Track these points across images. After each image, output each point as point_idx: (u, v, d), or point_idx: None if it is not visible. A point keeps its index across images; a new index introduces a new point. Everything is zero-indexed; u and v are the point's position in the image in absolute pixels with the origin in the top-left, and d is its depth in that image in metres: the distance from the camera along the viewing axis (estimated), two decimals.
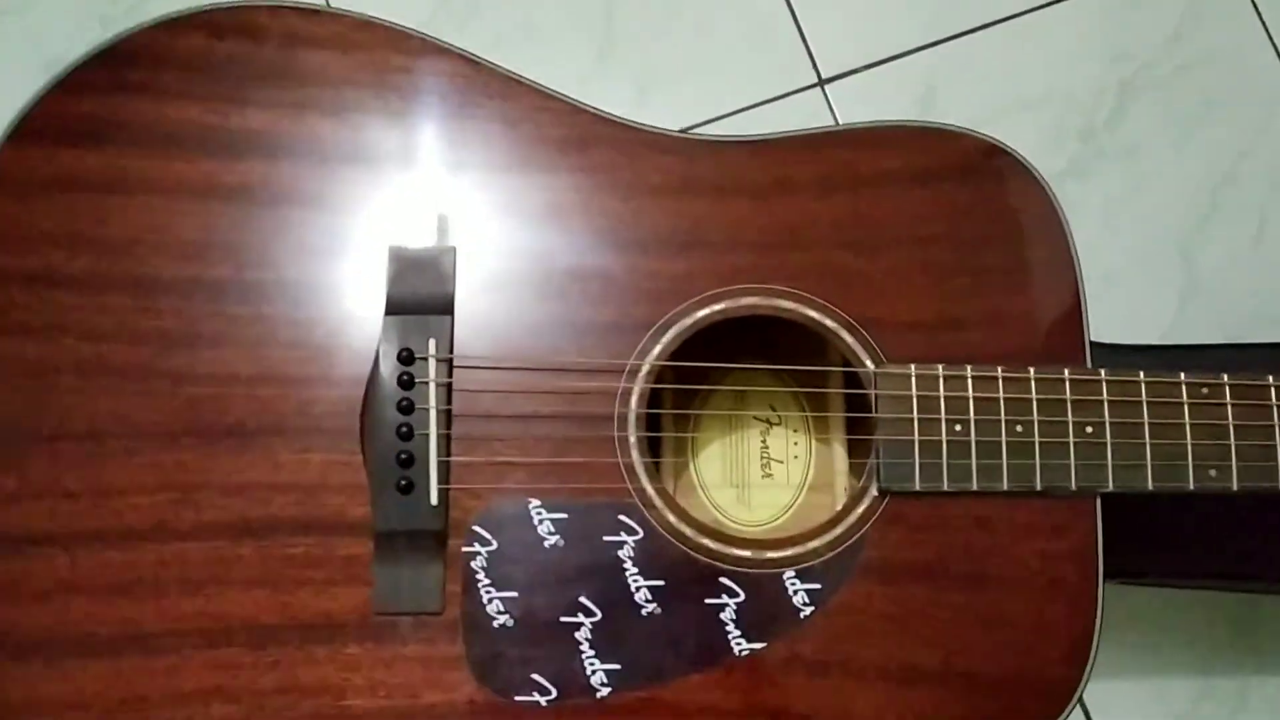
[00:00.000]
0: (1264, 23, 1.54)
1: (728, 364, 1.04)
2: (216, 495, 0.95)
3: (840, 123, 1.50)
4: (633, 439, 0.98)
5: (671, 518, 0.97)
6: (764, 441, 1.14)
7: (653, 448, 1.02)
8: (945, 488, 0.97)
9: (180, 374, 0.96)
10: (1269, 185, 1.48)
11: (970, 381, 0.99)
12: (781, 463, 1.12)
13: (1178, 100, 1.52)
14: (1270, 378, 0.98)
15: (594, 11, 1.41)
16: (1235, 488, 0.95)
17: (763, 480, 1.12)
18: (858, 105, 1.51)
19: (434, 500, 0.95)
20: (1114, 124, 1.51)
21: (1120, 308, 1.41)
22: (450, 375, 0.97)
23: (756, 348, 1.05)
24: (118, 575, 0.94)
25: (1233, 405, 0.96)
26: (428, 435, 0.95)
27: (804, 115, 1.53)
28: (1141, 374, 0.98)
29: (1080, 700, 1.13)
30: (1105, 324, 1.03)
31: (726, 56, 1.51)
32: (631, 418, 0.98)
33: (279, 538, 0.95)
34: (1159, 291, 1.45)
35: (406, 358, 0.96)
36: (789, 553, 0.98)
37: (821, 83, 1.53)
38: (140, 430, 0.94)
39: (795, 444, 1.13)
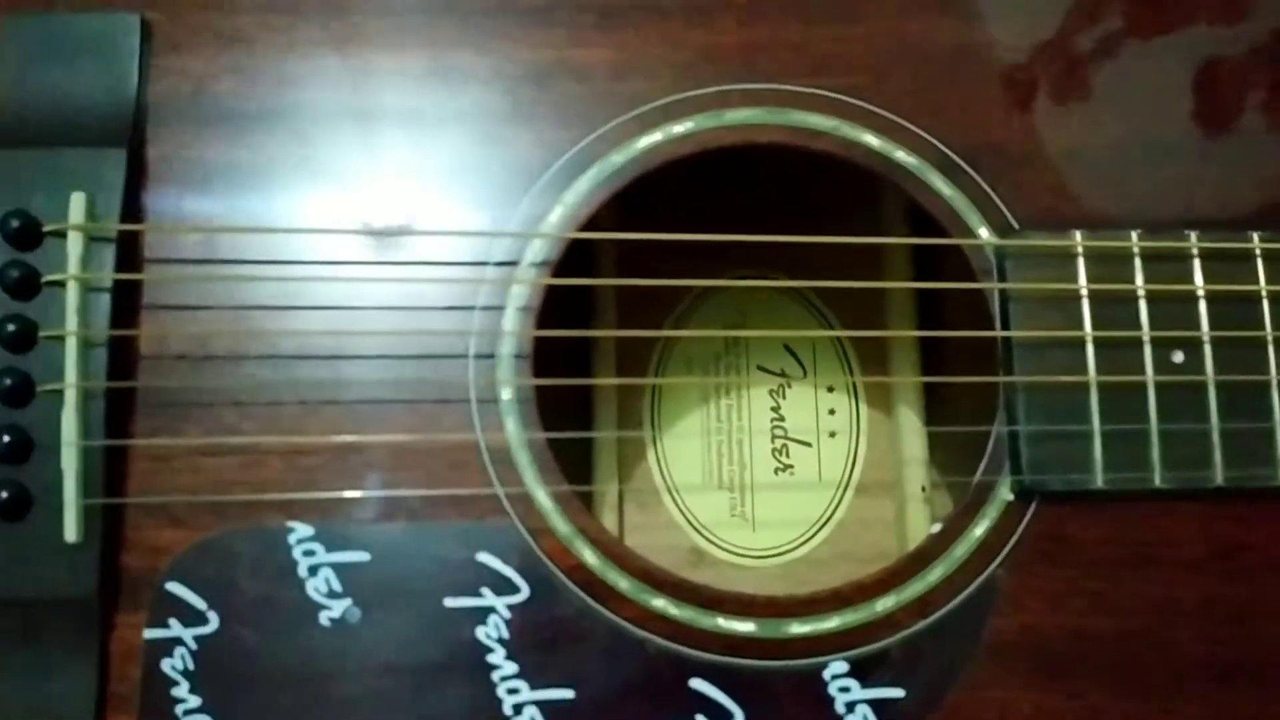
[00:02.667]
0: None
1: (699, 235, 0.63)
2: None
3: None
4: (506, 394, 0.59)
5: (589, 557, 0.59)
6: (776, 409, 0.82)
7: (564, 416, 0.67)
8: (1157, 482, 0.60)
9: None
10: None
11: (1197, 261, 0.61)
12: (808, 446, 0.80)
13: None
14: None
15: None
16: None
17: (776, 477, 0.80)
18: None
19: (72, 534, 0.55)
20: None
21: None
22: (129, 267, 0.59)
23: (762, 222, 0.66)
24: None
25: None
26: (61, 394, 0.56)
27: None
28: None
29: None
30: None
31: None
32: (505, 350, 0.59)
33: None
34: None
35: (21, 232, 0.57)
36: (833, 624, 0.59)
37: None
38: None
39: (832, 412, 0.80)
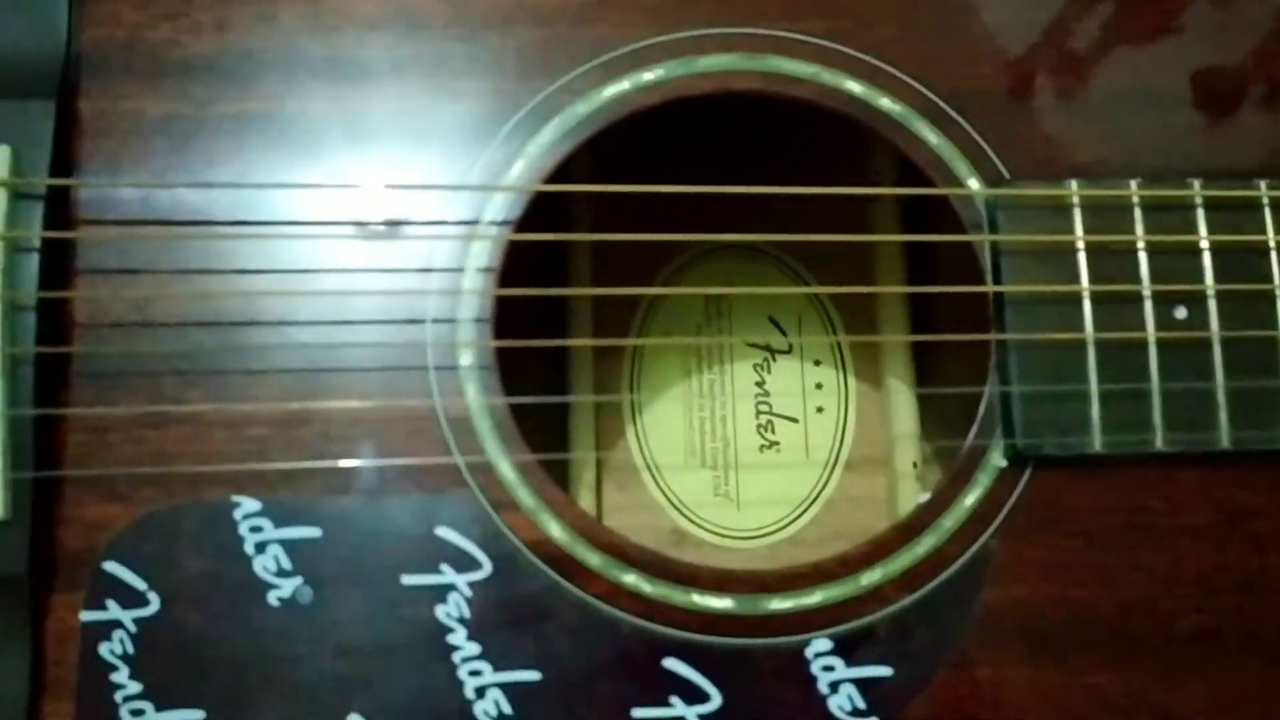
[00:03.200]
0: None
1: (673, 187, 0.60)
2: None
3: None
4: (465, 360, 0.57)
5: (556, 531, 0.57)
6: (761, 384, 0.81)
7: (537, 388, 0.66)
8: (1159, 445, 0.58)
9: None
10: None
11: (1200, 211, 0.59)
12: (795, 422, 0.79)
13: None
14: None
15: None
16: None
17: (761, 455, 0.79)
18: None
19: (0, 509, 0.54)
20: None
21: None
22: (61, 226, 0.57)
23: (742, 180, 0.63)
24: None
25: None
26: None
27: None
28: None
29: None
30: None
31: None
32: (465, 312, 0.58)
33: None
34: None
35: None
36: (815, 599, 0.58)
37: None
38: None
39: (819, 386, 0.79)
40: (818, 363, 0.80)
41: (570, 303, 0.71)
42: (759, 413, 0.80)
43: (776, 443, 0.79)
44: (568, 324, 0.72)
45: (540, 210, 0.58)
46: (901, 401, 0.76)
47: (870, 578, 0.57)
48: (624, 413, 0.78)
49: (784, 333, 0.80)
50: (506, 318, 0.59)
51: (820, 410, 0.80)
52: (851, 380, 0.79)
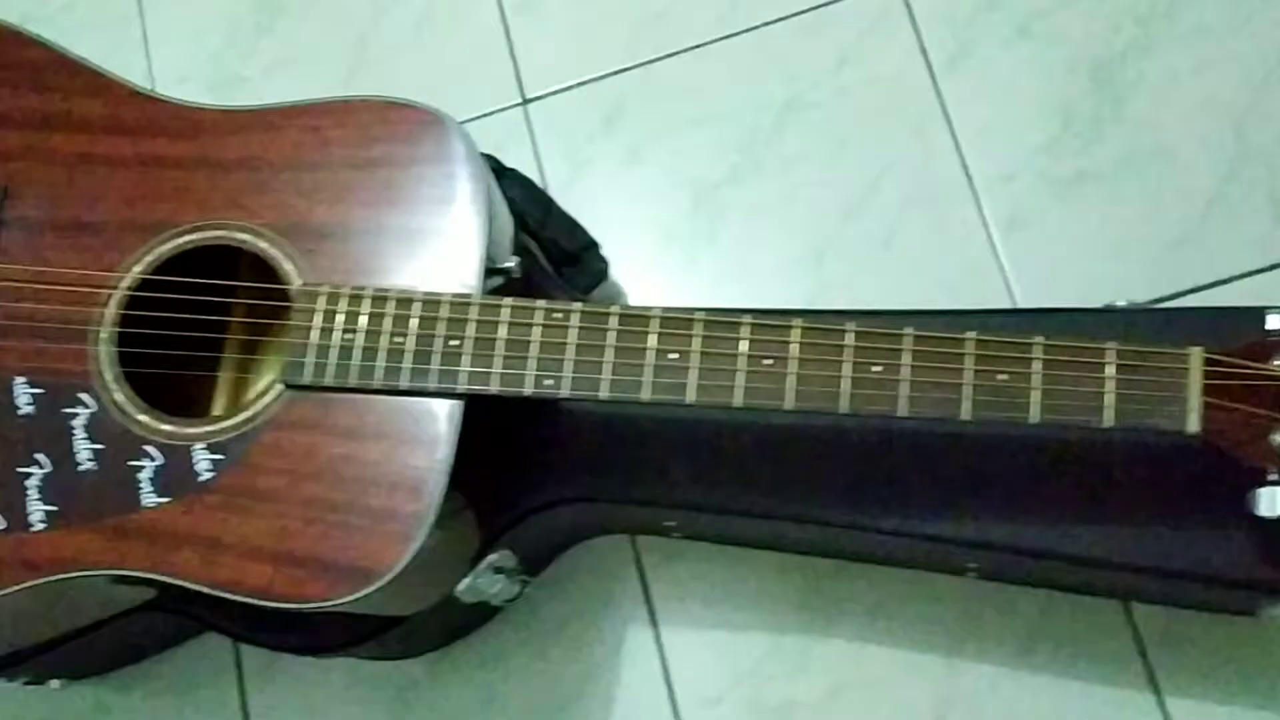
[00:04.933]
0: (924, 50, 1.69)
1: (199, 280, 1.25)
2: None
3: (534, 140, 1.73)
4: (104, 334, 1.22)
5: (119, 398, 1.20)
6: None
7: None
8: (328, 382, 1.16)
9: None
10: (904, 200, 1.62)
11: (368, 300, 1.18)
12: None
13: (833, 120, 1.68)
14: (616, 306, 1.17)
15: (347, 33, 1.69)
16: (564, 393, 1.14)
17: None
18: (552, 124, 1.77)
19: None
20: (772, 140, 1.68)
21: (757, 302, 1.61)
22: None
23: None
24: None
25: (578, 328, 1.15)
26: None
27: (505, 131, 1.76)
28: (509, 300, 1.17)
29: (656, 636, 1.44)
30: None
31: (444, 77, 1.77)
32: (107, 317, 1.22)
33: None
34: (791, 293, 1.62)
35: None
36: (202, 430, 1.19)
37: (525, 102, 1.77)
38: None
39: None
40: None
41: None
42: None
43: None
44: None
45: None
46: None
47: (224, 424, 1.17)
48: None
49: None
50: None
51: None
52: None
